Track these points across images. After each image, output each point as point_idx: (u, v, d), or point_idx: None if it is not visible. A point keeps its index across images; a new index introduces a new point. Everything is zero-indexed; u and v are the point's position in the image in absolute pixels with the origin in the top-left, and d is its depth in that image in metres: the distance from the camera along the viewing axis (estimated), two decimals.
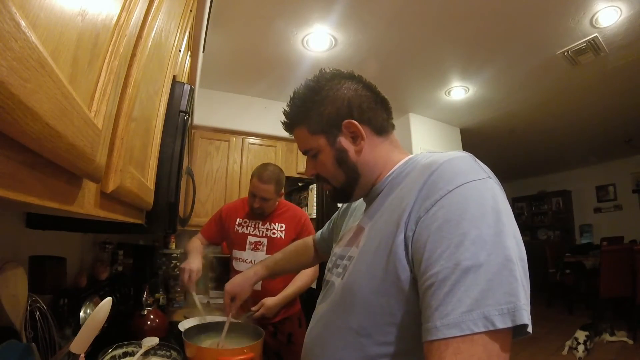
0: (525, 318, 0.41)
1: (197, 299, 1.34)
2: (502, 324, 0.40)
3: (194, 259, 1.46)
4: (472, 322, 0.40)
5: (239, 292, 1.06)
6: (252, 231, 1.66)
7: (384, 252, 0.53)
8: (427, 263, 0.45)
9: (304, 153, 0.71)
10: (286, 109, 0.70)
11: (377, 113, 0.66)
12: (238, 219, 1.70)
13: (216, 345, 1.00)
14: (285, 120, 0.71)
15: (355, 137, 0.65)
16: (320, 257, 1.08)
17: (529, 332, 0.42)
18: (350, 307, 0.57)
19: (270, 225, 1.67)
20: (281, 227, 1.66)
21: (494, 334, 0.40)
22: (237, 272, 1.62)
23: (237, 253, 1.67)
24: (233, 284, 1.07)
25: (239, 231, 1.68)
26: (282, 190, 1.68)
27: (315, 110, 0.66)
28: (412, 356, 0.51)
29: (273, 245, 1.62)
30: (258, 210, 1.62)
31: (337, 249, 0.73)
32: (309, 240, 1.12)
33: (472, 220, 0.44)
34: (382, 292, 0.52)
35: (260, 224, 1.67)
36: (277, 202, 1.70)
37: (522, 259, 0.45)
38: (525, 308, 0.41)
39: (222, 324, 1.12)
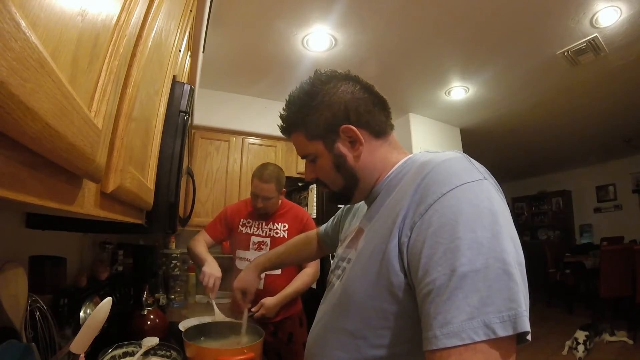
0: (527, 325, 0.40)
1: (216, 306, 1.36)
2: (503, 331, 0.39)
3: (214, 265, 1.47)
4: (473, 331, 0.39)
5: (248, 286, 1.06)
6: (256, 231, 1.68)
7: (377, 256, 0.53)
8: (424, 270, 0.44)
9: (303, 157, 0.70)
10: (282, 113, 0.69)
11: (375, 116, 0.65)
12: (241, 220, 1.72)
13: (236, 344, 1.01)
14: (282, 124, 0.70)
15: (354, 142, 0.63)
16: (324, 251, 1.08)
17: (528, 340, 0.41)
18: (346, 309, 0.57)
19: (274, 225, 1.68)
20: (284, 226, 1.67)
21: (495, 342, 0.39)
22: (240, 271, 1.64)
23: (240, 253, 1.68)
24: (240, 280, 1.07)
25: (243, 231, 1.69)
26: (284, 189, 1.69)
27: (312, 116, 0.64)
28: (407, 359, 0.51)
29: (276, 245, 1.62)
30: (261, 210, 1.63)
31: (339, 250, 0.73)
32: (312, 233, 1.11)
33: (467, 224, 0.43)
34: (375, 296, 0.52)
35: (264, 224, 1.68)
36: (279, 202, 1.71)
37: (521, 263, 0.44)
38: (526, 314, 0.40)
39: (222, 324, 1.12)
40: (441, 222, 0.45)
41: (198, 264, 1.56)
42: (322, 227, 1.06)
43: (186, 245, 1.70)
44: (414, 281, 0.47)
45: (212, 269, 1.44)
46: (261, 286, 1.54)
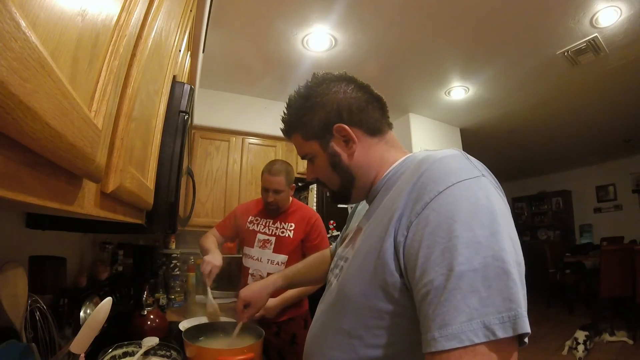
0: (527, 326, 0.39)
1: (211, 293, 1.36)
2: (503, 333, 0.38)
3: (217, 254, 1.50)
4: (472, 333, 0.38)
5: (255, 301, 1.02)
6: (262, 229, 1.69)
7: (373, 255, 0.52)
8: (422, 270, 0.43)
9: (302, 158, 0.72)
10: (282, 115, 0.72)
11: (368, 114, 0.65)
12: (250, 217, 1.74)
13: (225, 345, 0.99)
14: (283, 127, 0.72)
15: (347, 141, 0.64)
16: None
17: (525, 343, 0.40)
18: (342, 308, 0.57)
19: (281, 224, 1.68)
20: (291, 226, 1.67)
21: (495, 343, 0.38)
22: (246, 268, 1.68)
23: (246, 250, 1.71)
24: (249, 292, 1.03)
25: (250, 228, 1.71)
26: (293, 185, 1.71)
27: (307, 117, 0.66)
28: (403, 359, 0.50)
29: (281, 244, 1.63)
30: (273, 204, 1.64)
31: (339, 249, 0.73)
32: (326, 252, 1.12)
33: (464, 222, 0.42)
34: (371, 295, 0.52)
35: (271, 223, 1.69)
36: (290, 198, 1.72)
37: (519, 263, 0.43)
38: (526, 315, 0.39)
39: (222, 324, 1.12)
40: (438, 220, 0.44)
41: (204, 255, 1.58)
42: (334, 244, 1.04)
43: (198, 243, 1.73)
44: (411, 281, 0.46)
45: (211, 258, 1.45)
46: None
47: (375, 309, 0.51)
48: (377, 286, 0.51)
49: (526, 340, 0.40)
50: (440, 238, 0.43)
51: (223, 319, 1.31)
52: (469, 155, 0.52)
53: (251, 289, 1.04)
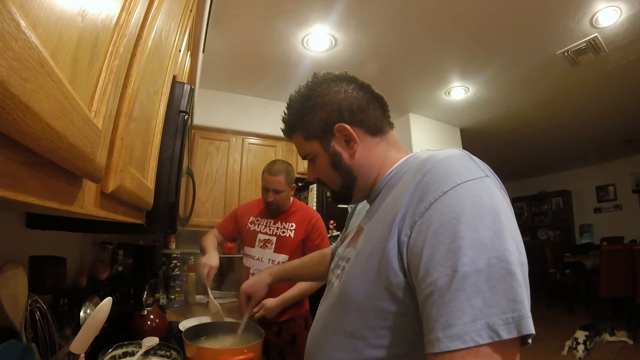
0: (531, 327, 0.39)
1: (212, 293, 1.39)
2: (507, 334, 0.38)
3: (213, 255, 1.52)
4: (476, 333, 0.38)
5: (254, 292, 1.07)
6: (263, 229, 1.70)
7: (376, 255, 0.52)
8: (425, 270, 0.43)
9: (303, 158, 0.72)
10: (283, 115, 0.72)
11: (369, 114, 0.65)
12: (251, 217, 1.75)
13: (225, 345, 1.00)
14: (284, 127, 0.72)
15: (348, 140, 0.64)
16: None
17: (529, 343, 0.40)
18: (345, 309, 0.57)
19: (281, 224, 1.69)
20: (291, 226, 1.68)
21: (499, 344, 0.38)
22: (247, 268, 1.68)
23: (247, 250, 1.71)
24: (248, 284, 1.08)
25: (251, 228, 1.72)
26: (294, 185, 1.72)
27: (308, 117, 0.66)
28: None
29: (281, 244, 1.64)
30: (273, 204, 1.64)
31: (340, 249, 0.73)
32: (326, 250, 1.13)
33: (468, 222, 0.42)
34: (374, 295, 0.51)
35: (272, 223, 1.70)
36: (290, 198, 1.73)
37: (523, 264, 0.43)
38: (530, 316, 0.39)
39: (221, 324, 1.12)
40: (442, 221, 0.44)
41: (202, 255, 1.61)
42: (335, 244, 1.06)
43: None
44: (415, 282, 0.46)
45: (207, 259, 1.47)
46: None
47: (379, 309, 0.51)
48: (381, 286, 0.50)
49: (529, 340, 0.40)
50: (444, 238, 0.43)
51: (226, 319, 1.31)
52: (472, 155, 0.52)
53: (250, 282, 1.09)
